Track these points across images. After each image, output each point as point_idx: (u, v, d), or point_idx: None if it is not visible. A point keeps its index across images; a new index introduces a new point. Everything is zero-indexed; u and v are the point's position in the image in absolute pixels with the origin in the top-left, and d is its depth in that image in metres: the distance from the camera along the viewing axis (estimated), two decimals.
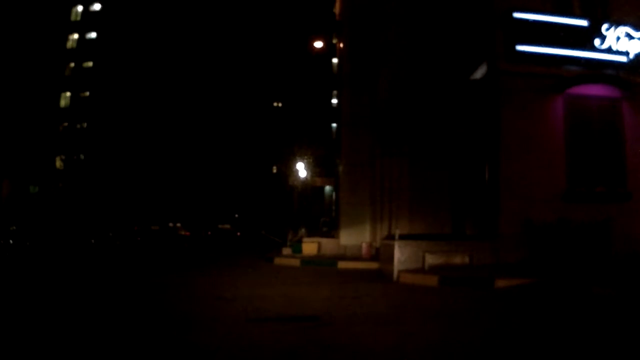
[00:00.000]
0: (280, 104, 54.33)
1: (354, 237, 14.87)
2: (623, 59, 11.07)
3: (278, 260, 14.50)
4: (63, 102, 46.19)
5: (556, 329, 5.15)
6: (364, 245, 14.06)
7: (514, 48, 10.84)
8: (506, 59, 10.97)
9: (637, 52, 11.09)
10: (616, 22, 11.05)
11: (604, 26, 10.99)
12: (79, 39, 47.24)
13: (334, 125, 34.64)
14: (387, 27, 15.00)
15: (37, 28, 42.30)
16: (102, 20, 46.53)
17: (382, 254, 11.66)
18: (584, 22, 11.12)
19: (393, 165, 14.30)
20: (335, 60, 33.54)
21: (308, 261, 13.72)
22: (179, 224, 40.42)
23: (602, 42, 10.96)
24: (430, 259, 10.10)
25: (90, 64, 46.21)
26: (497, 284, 8.15)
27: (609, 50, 11.00)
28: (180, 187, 47.13)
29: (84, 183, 40.04)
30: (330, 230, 21.21)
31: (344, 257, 13.93)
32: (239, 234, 42.44)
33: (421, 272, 9.60)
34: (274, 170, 50.84)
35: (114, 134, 42.31)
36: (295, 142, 33.41)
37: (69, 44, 47.16)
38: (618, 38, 11.00)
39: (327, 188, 32.53)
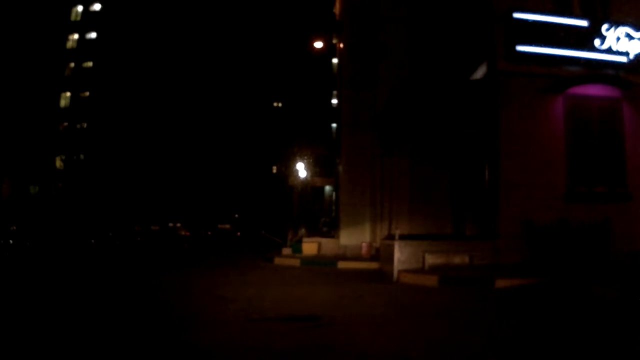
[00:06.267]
0: (280, 104, 54.33)
1: (354, 237, 14.86)
2: (623, 59, 11.08)
3: (278, 260, 14.50)
4: (63, 102, 46.20)
5: (556, 329, 5.15)
6: (364, 245, 14.06)
7: (514, 48, 10.84)
8: (506, 59, 10.97)
9: (637, 52, 11.10)
10: (616, 23, 11.05)
11: (604, 26, 11.00)
12: (79, 39, 47.26)
13: (334, 125, 34.64)
14: (387, 27, 15.00)
15: (37, 28, 42.29)
16: (102, 20, 46.54)
17: (382, 254, 11.66)
18: (584, 22, 11.12)
19: (393, 165, 14.30)
20: (335, 60, 33.54)
21: (308, 261, 13.72)
22: (179, 224, 40.39)
23: (602, 43, 10.96)
24: (430, 259, 10.10)
25: (90, 64, 46.23)
26: (497, 284, 8.15)
27: (609, 51, 11.00)
28: (180, 187, 47.12)
29: (84, 183, 40.04)
30: (330, 230, 21.19)
31: (344, 257, 13.93)
32: (239, 234, 42.43)
33: (421, 272, 9.60)
34: (274, 171, 50.85)
35: (114, 134, 42.31)
36: (295, 142, 33.42)
37: (69, 44, 47.17)
38: (618, 38, 11.01)
39: (327, 188, 32.56)
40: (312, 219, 25.92)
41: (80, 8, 47.88)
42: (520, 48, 10.84)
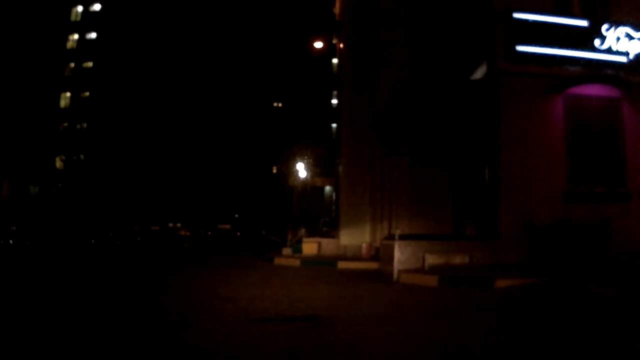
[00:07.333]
0: (280, 104, 54.34)
1: (354, 237, 14.85)
2: (623, 59, 11.08)
3: (278, 261, 14.49)
4: (63, 102, 46.18)
5: (556, 329, 5.15)
6: (364, 245, 14.06)
7: (514, 48, 10.84)
8: (506, 59, 10.97)
9: (637, 52, 11.10)
10: (616, 23, 11.05)
11: (604, 26, 11.00)
12: (79, 39, 47.25)
13: (334, 125, 34.65)
14: (387, 27, 14.98)
15: (37, 28, 42.31)
16: (102, 20, 46.54)
17: (382, 254, 11.66)
18: (584, 23, 11.12)
19: (393, 165, 14.29)
20: (335, 60, 33.55)
21: (308, 261, 13.72)
22: (179, 224, 40.39)
23: (602, 43, 10.96)
24: (430, 259, 10.10)
25: (90, 64, 46.21)
26: (497, 284, 8.15)
27: (609, 51, 11.00)
28: (180, 187, 47.14)
29: (84, 183, 40.07)
30: (330, 230, 21.17)
31: (344, 257, 13.93)
32: (239, 234, 42.43)
33: (421, 272, 9.60)
34: (274, 171, 50.88)
35: (114, 134, 42.32)
36: (295, 142, 33.45)
37: (69, 44, 47.16)
38: (618, 38, 11.01)
39: (327, 188, 32.54)
40: (312, 219, 25.89)
41: (80, 8, 47.87)
42: (520, 48, 10.84)
